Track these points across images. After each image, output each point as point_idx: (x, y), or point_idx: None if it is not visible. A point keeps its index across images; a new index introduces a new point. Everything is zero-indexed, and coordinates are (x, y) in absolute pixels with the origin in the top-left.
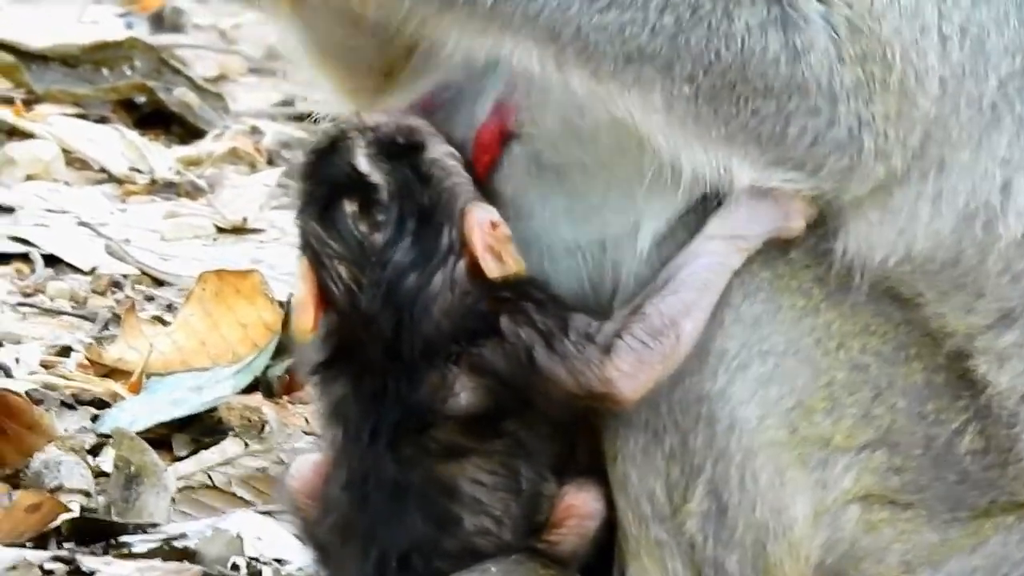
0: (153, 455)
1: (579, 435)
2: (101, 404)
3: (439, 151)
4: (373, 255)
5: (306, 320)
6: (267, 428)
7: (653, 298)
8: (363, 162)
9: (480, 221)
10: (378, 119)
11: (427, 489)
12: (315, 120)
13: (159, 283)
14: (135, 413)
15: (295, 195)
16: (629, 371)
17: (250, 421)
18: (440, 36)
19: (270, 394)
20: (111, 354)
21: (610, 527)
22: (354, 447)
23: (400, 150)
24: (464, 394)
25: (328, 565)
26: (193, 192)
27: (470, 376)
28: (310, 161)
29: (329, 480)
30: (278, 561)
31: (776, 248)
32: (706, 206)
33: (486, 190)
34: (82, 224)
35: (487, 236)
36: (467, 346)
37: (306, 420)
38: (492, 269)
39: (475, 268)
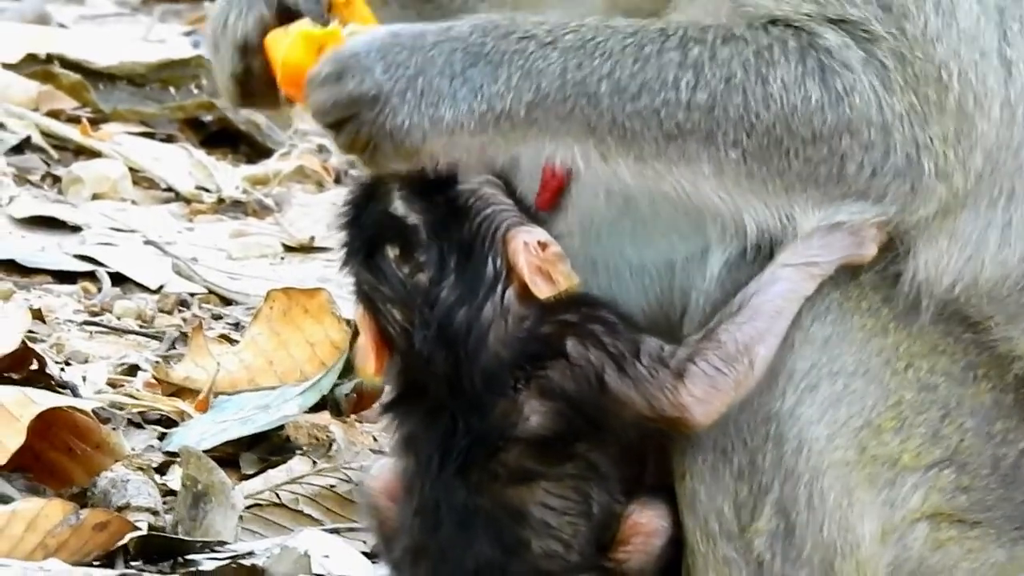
0: (220, 473)
1: (648, 454)
2: (168, 423)
3: (474, 180)
4: (420, 296)
5: (369, 365)
6: (334, 446)
7: (727, 324)
8: (399, 205)
9: (525, 243)
10: None
11: (496, 514)
12: None
13: (226, 302)
14: (202, 432)
15: (339, 245)
16: (702, 397)
17: (317, 440)
18: (488, 152)
19: (338, 413)
20: (178, 373)
21: (676, 545)
22: (425, 475)
23: (433, 186)
24: (535, 417)
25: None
26: (260, 211)
27: (540, 400)
28: (349, 210)
29: (402, 506)
30: None
31: (845, 271)
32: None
33: (551, 215)
34: (149, 243)
35: (534, 258)
36: (532, 370)
37: (374, 439)
38: (542, 290)
39: (525, 292)
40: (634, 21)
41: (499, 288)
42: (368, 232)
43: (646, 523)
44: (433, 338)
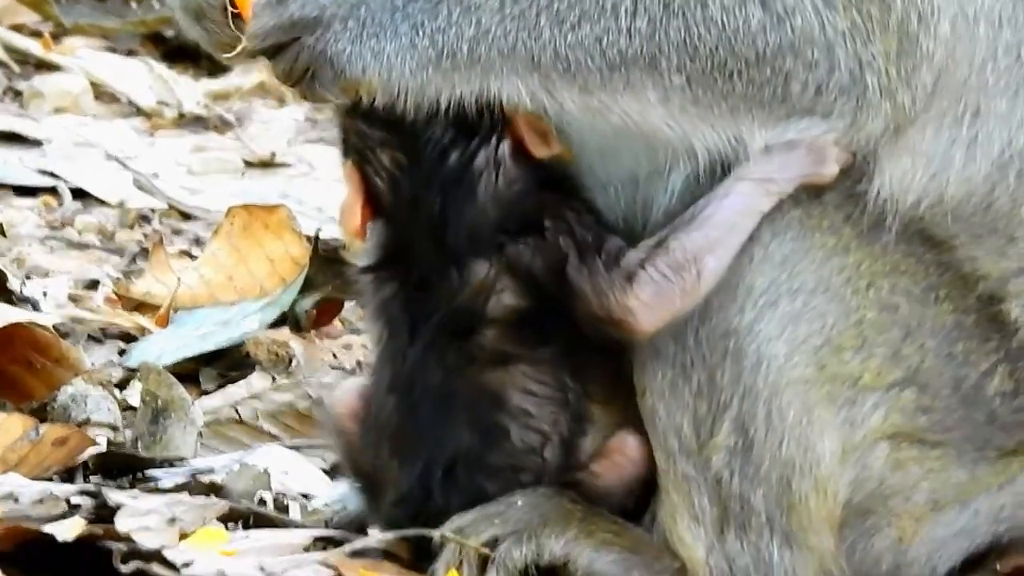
0: (180, 389)
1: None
2: (128, 338)
3: None
4: (411, 135)
5: (353, 220)
6: (294, 363)
7: (678, 233)
8: None
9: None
10: None
11: (476, 397)
12: None
13: (187, 217)
14: (162, 347)
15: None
16: (648, 302)
17: (277, 356)
18: (429, 92)
19: (297, 328)
20: (139, 288)
21: (647, 487)
22: (398, 347)
23: None
24: (506, 294)
25: (369, 491)
26: (221, 126)
27: (510, 277)
28: None
29: (374, 381)
30: (304, 496)
31: (807, 189)
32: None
33: None
34: (110, 158)
35: (532, 118)
36: (511, 239)
37: (333, 355)
38: (539, 149)
39: (520, 149)
40: None
41: (493, 139)
42: None
43: (629, 447)
44: (424, 178)
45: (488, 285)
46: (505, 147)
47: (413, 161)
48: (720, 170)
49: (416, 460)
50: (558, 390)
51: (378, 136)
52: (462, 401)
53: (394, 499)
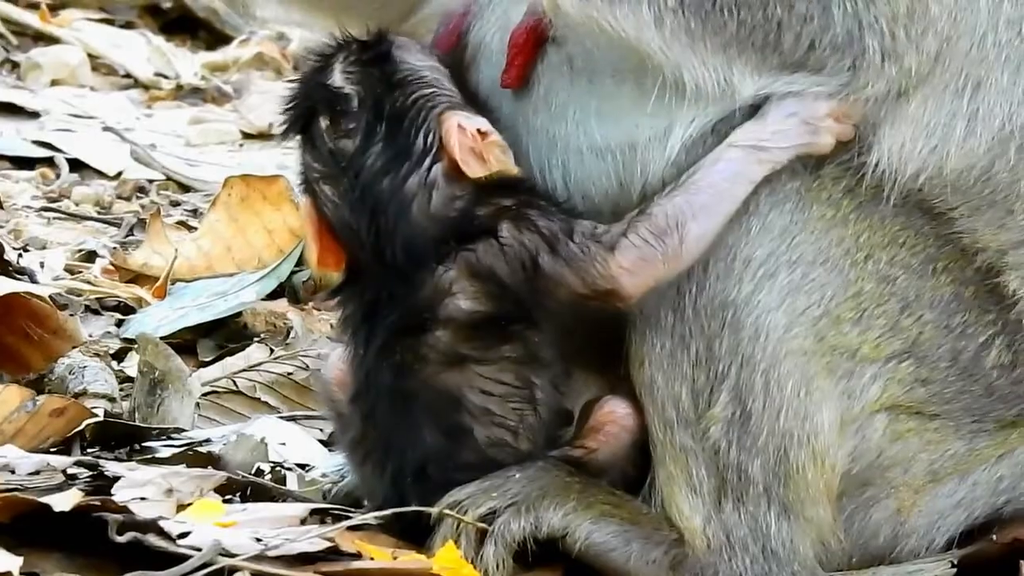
0: (178, 360)
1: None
2: (126, 309)
3: (417, 63)
4: (345, 162)
5: (312, 255)
6: (292, 334)
7: (661, 199)
8: (337, 77)
9: (461, 126)
10: (358, 35)
11: (433, 400)
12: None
13: (185, 188)
14: (160, 318)
15: (281, 121)
16: (631, 268)
17: (275, 327)
18: None
19: (295, 300)
20: (136, 259)
21: (645, 453)
22: (357, 358)
23: (371, 58)
24: (463, 297)
25: (359, 464)
26: (219, 98)
27: (470, 280)
28: (294, 86)
29: (346, 396)
30: (302, 466)
31: (806, 161)
32: (739, 114)
33: (517, 92)
34: (107, 129)
35: (468, 140)
36: (459, 247)
37: (330, 326)
38: (473, 169)
39: (456, 171)
40: None
41: (427, 162)
42: (304, 103)
43: (621, 415)
44: (357, 204)
45: (443, 290)
46: (439, 169)
47: (349, 190)
48: (716, 136)
49: (386, 467)
50: (523, 387)
51: (319, 168)
52: (420, 404)
53: (373, 507)
